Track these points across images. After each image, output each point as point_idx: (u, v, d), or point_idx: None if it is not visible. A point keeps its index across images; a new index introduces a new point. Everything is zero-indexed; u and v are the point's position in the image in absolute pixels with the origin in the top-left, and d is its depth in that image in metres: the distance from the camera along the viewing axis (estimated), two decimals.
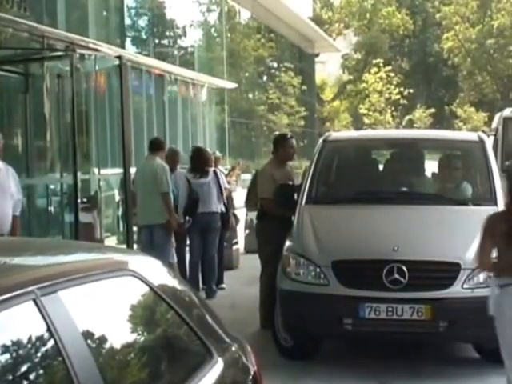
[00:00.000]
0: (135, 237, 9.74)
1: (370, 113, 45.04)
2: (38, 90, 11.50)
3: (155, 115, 18.02)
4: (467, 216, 7.16)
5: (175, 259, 9.41)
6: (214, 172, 10.24)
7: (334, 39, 46.77)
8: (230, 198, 11.23)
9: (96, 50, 11.99)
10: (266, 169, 8.70)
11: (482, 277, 6.33)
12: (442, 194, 7.82)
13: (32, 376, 2.19)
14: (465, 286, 6.31)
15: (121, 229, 13.65)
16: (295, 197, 7.70)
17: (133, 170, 9.83)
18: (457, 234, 6.77)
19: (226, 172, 14.54)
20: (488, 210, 6.96)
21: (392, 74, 45.68)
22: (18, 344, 2.16)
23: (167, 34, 22.17)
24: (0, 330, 2.13)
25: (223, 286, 10.60)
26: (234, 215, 11.96)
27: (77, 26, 14.27)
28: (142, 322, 2.90)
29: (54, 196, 12.22)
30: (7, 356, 2.11)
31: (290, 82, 33.35)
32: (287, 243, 7.04)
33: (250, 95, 31.64)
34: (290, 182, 8.31)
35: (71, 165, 9.38)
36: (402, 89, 44.69)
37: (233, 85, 23.85)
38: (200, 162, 10.06)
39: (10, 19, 10.73)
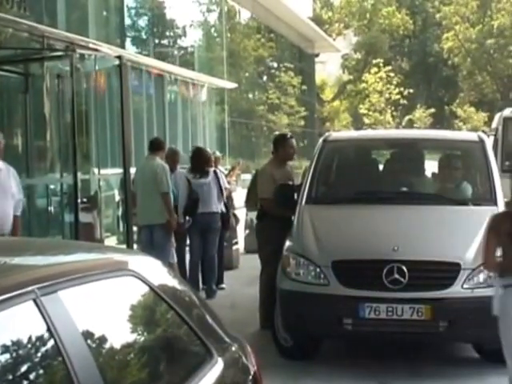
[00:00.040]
0: (135, 237, 9.74)
1: (370, 113, 45.04)
2: (38, 90, 11.50)
3: (155, 115, 18.02)
4: (467, 216, 7.17)
5: (175, 259, 9.41)
6: (215, 172, 10.24)
7: (334, 39, 46.77)
8: (229, 198, 11.24)
9: (96, 50, 11.99)
10: (265, 169, 8.70)
11: (481, 277, 6.33)
12: (442, 194, 7.82)
13: (32, 376, 2.19)
14: (465, 286, 6.31)
15: (121, 229, 13.65)
16: (295, 197, 7.70)
17: (133, 170, 9.83)
18: (457, 234, 6.77)
19: (226, 172, 14.53)
20: (488, 210, 6.98)
21: (392, 74, 45.68)
22: (18, 344, 2.16)
23: (167, 34, 22.17)
24: (0, 329, 2.13)
25: (223, 286, 10.60)
26: (234, 215, 11.96)
27: (77, 26, 14.27)
28: (141, 322, 2.90)
29: (54, 196, 12.22)
30: (7, 356, 2.11)
31: (289, 82, 33.35)
32: (287, 243, 7.04)
33: (250, 95, 31.64)
34: (290, 182, 8.31)
35: (71, 165, 9.38)
36: (402, 89, 44.70)
37: (233, 85, 23.85)
38: (200, 162, 10.06)
39: (9, 19, 10.72)
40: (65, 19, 13.90)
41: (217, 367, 2.99)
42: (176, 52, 21.91)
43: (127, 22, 18.55)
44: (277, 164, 8.52)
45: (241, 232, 13.19)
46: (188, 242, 10.23)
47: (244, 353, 3.31)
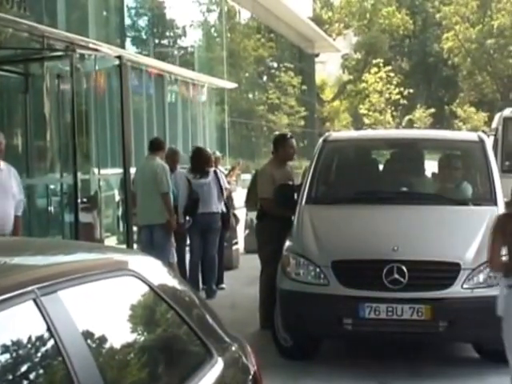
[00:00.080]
0: (135, 237, 9.74)
1: (370, 113, 45.06)
2: (38, 90, 11.51)
3: (155, 115, 18.02)
4: (467, 216, 7.17)
5: (175, 259, 9.42)
6: (215, 172, 10.24)
7: (334, 39, 46.77)
8: (229, 198, 11.24)
9: (96, 50, 11.99)
10: (265, 169, 8.70)
11: (481, 277, 6.34)
12: (442, 194, 7.82)
13: (32, 376, 2.19)
14: (465, 286, 6.31)
15: (121, 229, 13.65)
16: (295, 197, 7.69)
17: (133, 170, 9.83)
18: (457, 234, 6.77)
19: (226, 172, 14.54)
20: (488, 210, 7.00)
21: (392, 74, 45.69)
22: (18, 344, 2.16)
23: (167, 34, 22.17)
24: (0, 329, 2.13)
25: (223, 286, 10.60)
26: (234, 215, 11.96)
27: (77, 26, 14.27)
28: (141, 322, 2.90)
29: (54, 196, 12.23)
30: (7, 356, 2.11)
31: (289, 82, 33.36)
32: (287, 243, 7.04)
33: (250, 95, 31.64)
34: (290, 182, 8.31)
35: (71, 165, 9.38)
36: (401, 89, 44.71)
37: (233, 85, 23.85)
38: (200, 162, 10.06)
39: (9, 19, 10.72)
40: (65, 19, 13.90)
41: (217, 367, 2.99)
42: (176, 52, 21.91)
43: (127, 21, 18.56)
44: (277, 164, 8.52)
45: (241, 232, 13.19)
46: (188, 242, 10.24)
47: (244, 353, 3.31)
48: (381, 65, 45.68)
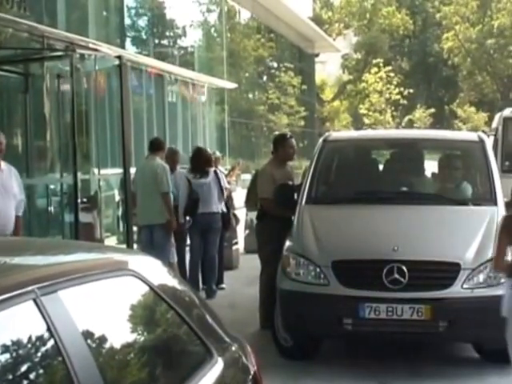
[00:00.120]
0: (135, 237, 9.74)
1: (370, 113, 45.07)
2: (38, 90, 11.51)
3: (155, 115, 18.02)
4: (467, 216, 7.17)
5: (175, 259, 9.43)
6: (215, 172, 10.23)
7: (334, 39, 46.77)
8: (229, 198, 11.24)
9: (96, 50, 11.99)
10: (265, 169, 8.70)
11: (481, 277, 6.34)
12: (442, 194, 7.82)
13: (32, 376, 2.19)
14: (465, 286, 6.31)
15: (121, 229, 13.65)
16: (295, 197, 7.69)
17: (133, 170, 9.83)
18: (457, 234, 6.77)
19: (226, 172, 14.53)
20: (488, 210, 7.00)
21: (392, 74, 45.71)
22: (18, 344, 2.16)
23: (167, 33, 22.16)
24: (0, 329, 2.13)
25: (223, 286, 10.60)
26: (234, 215, 11.96)
27: (77, 26, 14.27)
28: (142, 322, 2.90)
29: (54, 196, 12.23)
30: (7, 356, 2.11)
31: (289, 82, 33.36)
32: (287, 243, 7.04)
33: (250, 95, 31.64)
34: (290, 182, 8.31)
35: (71, 165, 9.38)
36: (401, 89, 44.73)
37: (233, 85, 23.85)
38: (200, 162, 10.06)
39: (9, 19, 10.72)
40: (65, 19, 13.90)
41: (217, 367, 2.99)
42: (176, 52, 21.90)
43: (127, 21, 18.55)
44: (277, 164, 8.52)
45: (241, 232, 13.19)
46: (188, 242, 10.24)
47: (244, 353, 3.31)
48: (381, 65, 45.71)
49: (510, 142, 13.88)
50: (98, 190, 13.03)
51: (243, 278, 10.89)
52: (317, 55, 42.40)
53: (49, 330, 2.24)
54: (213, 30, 26.44)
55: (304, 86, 35.98)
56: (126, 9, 18.20)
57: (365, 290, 6.35)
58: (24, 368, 2.16)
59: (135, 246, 9.57)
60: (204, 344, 3.02)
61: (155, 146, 9.68)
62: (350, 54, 52.25)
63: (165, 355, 2.87)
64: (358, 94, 49.43)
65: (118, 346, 2.61)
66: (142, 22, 20.21)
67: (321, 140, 8.31)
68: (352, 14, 50.69)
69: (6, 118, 11.81)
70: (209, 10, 25.97)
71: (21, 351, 2.17)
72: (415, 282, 6.32)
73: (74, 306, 2.38)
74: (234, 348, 3.24)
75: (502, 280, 6.33)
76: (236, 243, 12.53)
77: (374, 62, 47.02)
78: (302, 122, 35.27)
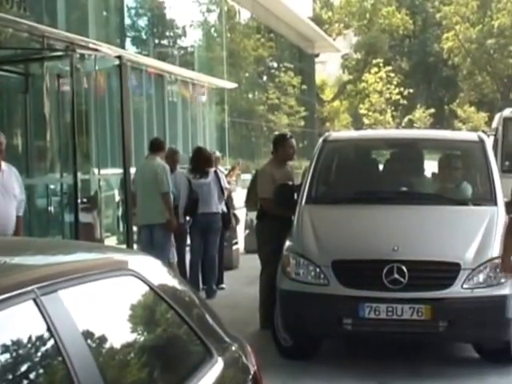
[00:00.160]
0: (135, 237, 9.74)
1: (370, 113, 45.10)
2: (38, 90, 11.51)
3: (155, 115, 18.02)
4: (467, 216, 7.17)
5: (176, 259, 9.43)
6: (215, 172, 10.24)
7: (334, 39, 46.79)
8: (229, 198, 11.24)
9: (96, 49, 11.99)
10: (265, 169, 8.70)
11: (481, 277, 6.34)
12: (442, 194, 7.82)
13: (32, 375, 2.19)
14: (465, 286, 6.30)
15: (121, 229, 13.65)
16: (295, 197, 7.69)
17: (133, 170, 9.83)
18: (457, 234, 6.77)
19: (226, 172, 14.53)
20: (488, 210, 7.01)
21: (392, 74, 45.72)
22: (17, 343, 2.16)
23: (167, 33, 22.16)
24: (0, 329, 2.13)
25: (223, 285, 10.60)
26: (234, 215, 11.96)
27: (77, 26, 14.27)
28: (141, 322, 2.90)
29: (54, 196, 12.23)
30: (7, 355, 2.11)
31: (289, 82, 33.37)
32: (287, 243, 7.04)
33: (250, 95, 31.64)
34: (290, 182, 8.31)
35: (71, 165, 9.38)
36: (401, 89, 44.74)
37: (233, 85, 23.85)
38: (200, 162, 10.06)
39: (10, 19, 10.73)
40: (65, 19, 13.90)
41: (217, 367, 2.99)
42: (176, 52, 21.91)
43: (127, 21, 18.55)
44: (277, 164, 8.52)
45: (241, 232, 13.19)
46: (189, 241, 10.24)
47: (244, 352, 3.31)
48: (381, 65, 45.74)
49: (510, 142, 13.89)
50: (98, 190, 13.03)
51: (243, 278, 10.90)
52: (317, 55, 42.42)
53: (49, 329, 2.24)
54: (213, 29, 26.45)
55: (304, 86, 36.00)
56: (126, 9, 18.21)
57: (365, 290, 6.34)
58: (24, 368, 2.16)
59: (135, 246, 9.58)
60: (204, 344, 3.02)
61: (155, 146, 9.69)
62: (350, 54, 52.27)
63: (165, 355, 2.87)
64: (358, 94, 49.46)
65: (118, 345, 2.61)
66: (142, 22, 20.21)
67: (321, 140, 8.31)
68: (352, 13, 50.72)
69: (6, 118, 11.81)
70: (209, 10, 25.98)
71: (21, 351, 2.17)
72: (415, 281, 6.31)
73: (73, 305, 2.38)
74: (233, 348, 3.24)
75: (502, 280, 6.34)
76: (236, 243, 12.53)
77: (374, 62, 47.05)
78: (302, 122, 35.28)
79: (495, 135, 14.02)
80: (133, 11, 19.39)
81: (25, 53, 11.19)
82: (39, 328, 2.23)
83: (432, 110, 46.83)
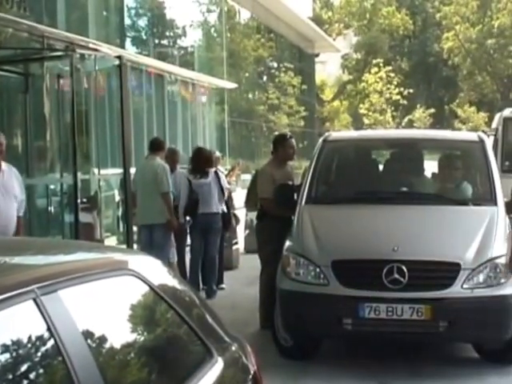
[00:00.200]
0: (135, 237, 9.74)
1: (370, 113, 45.10)
2: (38, 90, 11.51)
3: (155, 115, 18.02)
4: (467, 216, 7.17)
5: (175, 258, 9.43)
6: (215, 172, 10.23)
7: (334, 39, 46.79)
8: (229, 198, 11.24)
9: (96, 49, 11.99)
10: (265, 169, 8.70)
11: (481, 277, 6.34)
12: (442, 194, 7.82)
13: (32, 375, 2.19)
14: (465, 286, 6.30)
15: (121, 229, 13.65)
16: (295, 197, 7.70)
17: (133, 170, 9.83)
18: (457, 234, 6.77)
19: (226, 172, 14.53)
20: (488, 210, 7.01)
21: (392, 74, 45.73)
22: (17, 343, 2.16)
23: (167, 33, 22.16)
24: (0, 329, 2.13)
25: (223, 286, 10.60)
26: (235, 215, 11.96)
27: (77, 26, 14.27)
28: (142, 322, 2.90)
29: (54, 196, 12.23)
30: (7, 355, 2.11)
31: (289, 82, 33.37)
32: (287, 243, 7.04)
33: (250, 95, 31.64)
34: (290, 182, 8.31)
35: (71, 165, 9.38)
36: (401, 89, 44.74)
37: (233, 85, 23.86)
38: (200, 162, 10.06)
39: (10, 19, 10.73)
40: (65, 19, 13.90)
41: (217, 367, 2.99)
42: (176, 52, 21.90)
43: (127, 21, 18.55)
44: (277, 164, 8.52)
45: (241, 232, 13.19)
46: (189, 242, 10.24)
47: (244, 352, 3.31)
48: (381, 65, 45.74)
49: (509, 142, 13.90)
50: (97, 190, 13.03)
51: (243, 278, 10.90)
52: (317, 55, 42.42)
53: (49, 329, 2.24)
54: (213, 30, 26.45)
55: (304, 86, 35.98)
56: (126, 9, 18.20)
57: (365, 290, 6.34)
58: (24, 368, 2.16)
59: (135, 246, 9.58)
60: (204, 344, 3.02)
61: (155, 146, 9.69)
62: (350, 54, 52.29)
63: (165, 355, 2.87)
64: (358, 94, 49.47)
65: (117, 345, 2.61)
66: (142, 22, 20.21)
67: (321, 140, 8.31)
68: (352, 14, 50.72)
69: (6, 118, 11.81)
70: (209, 10, 25.98)
71: (21, 351, 2.17)
72: (415, 281, 6.31)
73: (73, 305, 2.38)
74: (233, 348, 3.24)
75: (502, 280, 6.34)
76: (236, 243, 12.53)
77: (374, 62, 47.05)
78: (302, 122, 35.27)
79: (495, 135, 14.03)
80: (133, 11, 19.38)
81: (25, 53, 11.19)
82: (39, 328, 2.23)
83: (432, 110, 46.84)
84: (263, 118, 31.08)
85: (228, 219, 10.41)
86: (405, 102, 45.18)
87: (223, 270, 10.76)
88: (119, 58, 9.85)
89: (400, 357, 7.07)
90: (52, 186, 12.18)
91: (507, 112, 14.46)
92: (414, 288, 6.30)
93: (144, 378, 2.69)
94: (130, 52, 16.96)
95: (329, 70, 51.00)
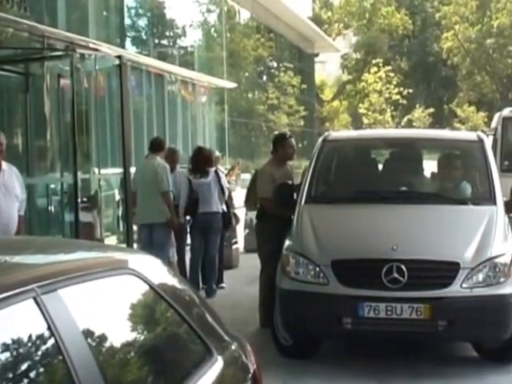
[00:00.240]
0: (135, 236, 9.75)
1: (370, 113, 45.09)
2: (39, 90, 11.51)
3: (155, 115, 18.02)
4: (466, 215, 7.17)
5: (175, 258, 9.44)
6: (216, 172, 10.24)
7: (334, 39, 46.78)
8: (229, 198, 11.24)
9: (96, 49, 11.99)
10: (265, 168, 8.70)
11: (481, 276, 6.35)
12: (442, 194, 7.83)
13: (32, 374, 2.19)
14: (464, 285, 6.31)
15: (121, 228, 13.66)
16: (295, 196, 7.70)
17: (133, 170, 9.84)
18: (456, 234, 6.77)
19: (226, 172, 14.53)
20: (487, 210, 7.01)
21: (391, 74, 45.71)
22: (18, 342, 2.16)
23: (167, 33, 22.16)
24: (0, 328, 2.14)
25: (223, 285, 10.61)
26: (235, 215, 11.96)
27: (77, 26, 14.27)
28: (142, 321, 2.90)
29: (55, 195, 12.23)
30: (7, 354, 2.11)
31: (289, 82, 33.37)
32: (287, 242, 7.04)
33: (250, 95, 31.64)
34: (290, 182, 8.31)
35: (71, 164, 9.39)
36: (401, 89, 44.74)
37: (233, 85, 23.86)
38: (200, 161, 10.07)
39: (10, 19, 10.73)
40: (65, 19, 13.90)
41: (217, 365, 3.00)
42: (176, 52, 21.90)
43: (127, 21, 18.55)
44: (276, 164, 8.53)
45: (240, 231, 13.20)
46: (189, 241, 10.25)
47: (244, 351, 3.32)
48: (380, 65, 45.73)
49: (509, 141, 13.91)
50: (98, 189, 13.03)
51: (243, 278, 10.91)
52: (316, 55, 42.41)
53: (49, 328, 2.24)
54: (213, 30, 26.45)
55: (304, 86, 35.99)
56: (126, 9, 18.20)
57: (364, 289, 6.35)
58: (24, 366, 2.17)
59: (135, 245, 9.58)
60: (204, 343, 3.03)
61: (155, 145, 9.70)
62: (350, 54, 52.27)
63: (165, 354, 2.88)
64: (358, 93, 49.47)
65: (118, 344, 2.62)
66: (142, 22, 20.21)
67: (320, 140, 8.32)
68: (351, 13, 50.70)
69: (7, 118, 11.82)
70: (209, 10, 25.98)
71: (21, 350, 2.18)
72: (414, 281, 6.32)
73: (74, 304, 2.39)
74: (233, 347, 3.25)
75: (502, 279, 6.35)
76: (236, 242, 12.54)
77: (374, 61, 47.04)
78: (302, 122, 35.28)
79: (494, 135, 14.04)
80: (133, 11, 19.38)
81: (25, 52, 11.20)
82: (39, 327, 2.24)
83: (431, 110, 46.81)
84: (263, 117, 31.08)
85: (228, 218, 10.42)
86: (404, 101, 45.18)
87: (223, 269, 10.77)
88: (119, 57, 9.87)
89: (399, 356, 7.07)
90: (52, 186, 12.19)
91: (506, 112, 14.47)
92: (413, 287, 6.30)
93: (144, 377, 2.70)
94: (130, 52, 16.96)
95: (328, 69, 50.99)
